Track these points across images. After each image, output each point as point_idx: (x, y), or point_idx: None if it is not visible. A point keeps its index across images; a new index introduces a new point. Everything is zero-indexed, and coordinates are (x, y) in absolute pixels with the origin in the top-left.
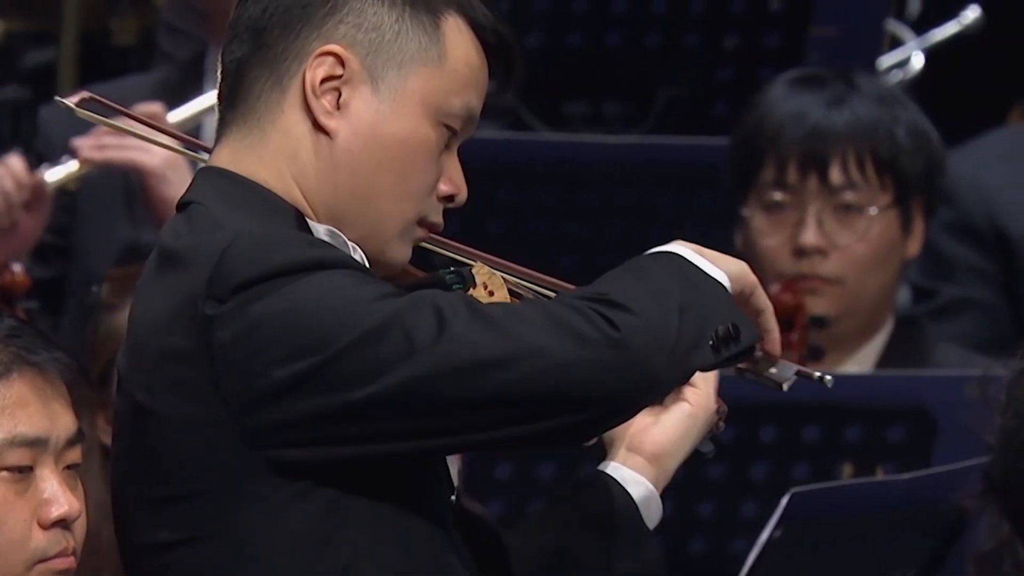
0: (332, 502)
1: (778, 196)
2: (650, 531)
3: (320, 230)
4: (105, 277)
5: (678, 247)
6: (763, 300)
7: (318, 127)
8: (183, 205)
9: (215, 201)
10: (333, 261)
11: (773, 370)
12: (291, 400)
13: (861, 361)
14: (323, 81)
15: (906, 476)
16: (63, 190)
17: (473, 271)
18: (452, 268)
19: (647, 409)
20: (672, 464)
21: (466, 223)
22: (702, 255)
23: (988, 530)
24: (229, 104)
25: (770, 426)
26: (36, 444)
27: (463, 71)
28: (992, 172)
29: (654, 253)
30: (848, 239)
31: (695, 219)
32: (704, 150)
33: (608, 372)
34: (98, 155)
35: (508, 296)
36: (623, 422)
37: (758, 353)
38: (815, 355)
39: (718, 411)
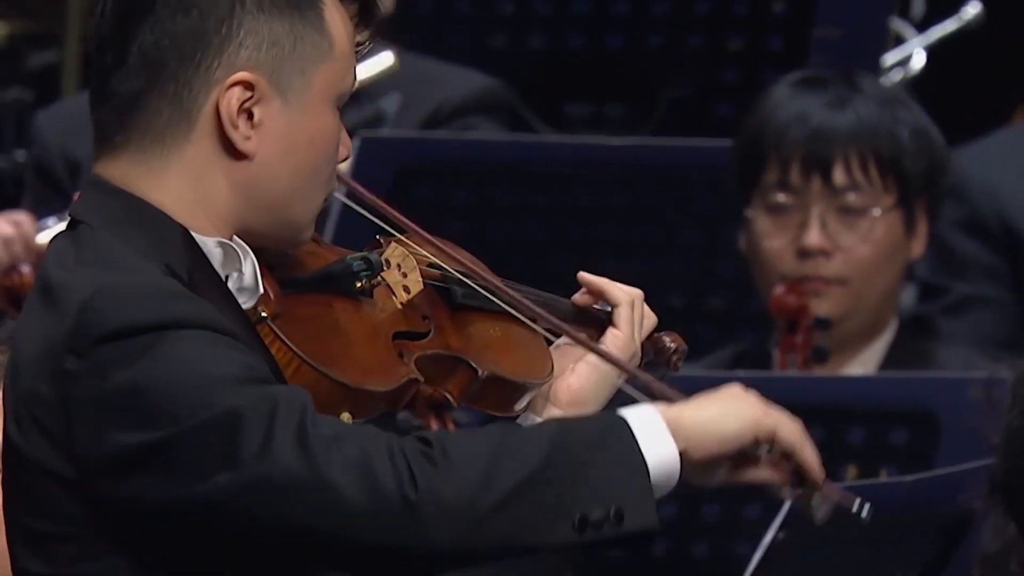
0: None
1: (781, 198)
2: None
3: (209, 243)
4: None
5: (640, 412)
6: (791, 438)
7: (234, 154)
8: (73, 222)
9: (103, 223)
10: (197, 320)
11: (815, 501)
12: (124, 472)
13: (864, 362)
14: (237, 110)
15: (910, 478)
16: None
17: (386, 254)
18: (361, 254)
19: (566, 355)
20: (594, 408)
21: (465, 224)
22: (675, 421)
23: (993, 532)
24: (119, 131)
25: None
26: None
27: (347, 47)
28: (1001, 170)
29: (585, 417)
30: (851, 240)
31: (696, 221)
32: (706, 152)
33: (386, 530)
34: None
35: (420, 279)
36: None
37: (806, 483)
38: (819, 357)
39: (676, 351)
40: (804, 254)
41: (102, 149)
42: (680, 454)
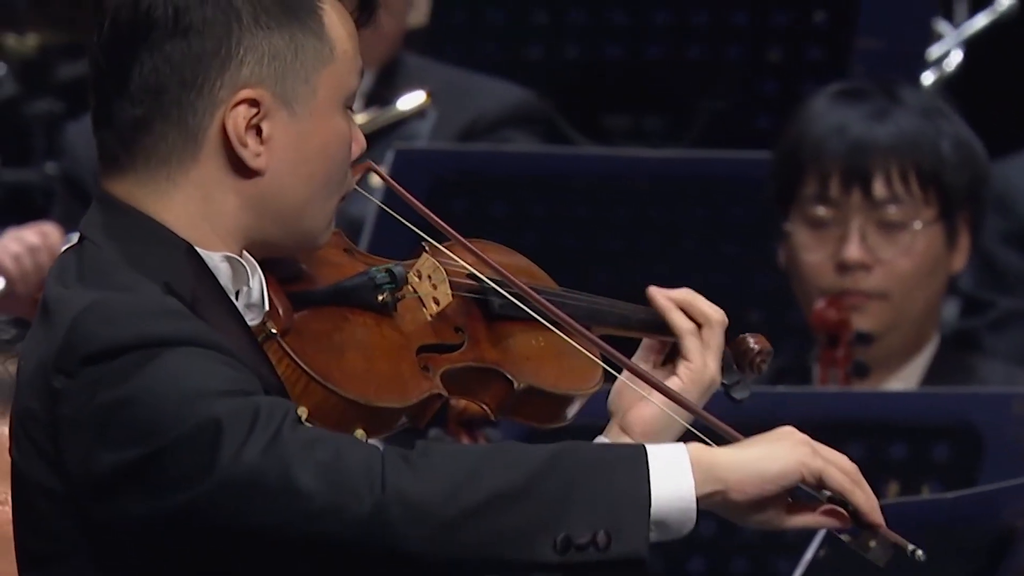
0: None
1: (821, 211)
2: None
3: (215, 258)
4: None
5: (664, 449)
6: (840, 480)
7: (244, 172)
8: (80, 237)
9: (106, 239)
10: (187, 337)
11: (872, 543)
12: (113, 490)
13: (906, 378)
14: (245, 128)
15: (952, 495)
16: None
17: (416, 265)
18: (386, 266)
19: (637, 384)
20: (670, 440)
21: (500, 237)
22: (705, 462)
23: None
24: (123, 154)
25: None
26: None
27: (349, 47)
28: None
29: (616, 445)
30: (892, 254)
31: (735, 234)
32: (744, 164)
33: (353, 529)
34: None
35: (450, 292)
36: None
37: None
38: (860, 372)
39: (760, 352)
40: (844, 268)
41: (107, 167)
42: (713, 495)
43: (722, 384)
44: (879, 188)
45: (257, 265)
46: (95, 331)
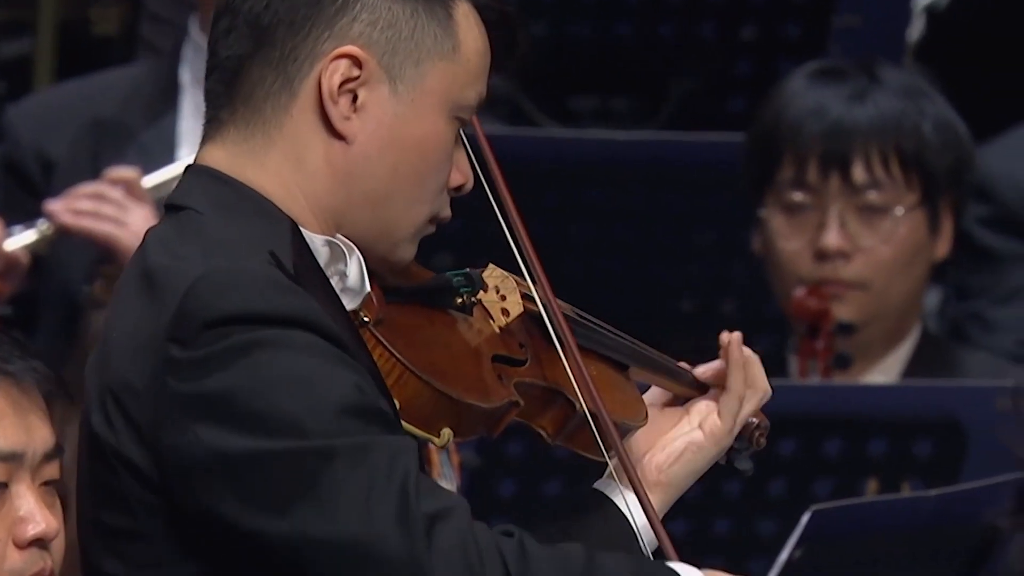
0: None
1: (798, 196)
2: (649, 558)
3: (317, 241)
4: (98, 274)
5: (689, 571)
6: None
7: (333, 132)
8: (174, 207)
9: (209, 208)
10: (305, 318)
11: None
12: (206, 475)
13: (886, 370)
14: (340, 85)
15: (934, 492)
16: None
17: (484, 274)
18: (462, 271)
19: (654, 424)
20: (676, 493)
21: (464, 225)
22: None
23: (1021, 550)
24: (226, 103)
25: (789, 439)
26: (11, 459)
27: (475, 59)
28: None
29: (653, 563)
30: (872, 241)
31: (709, 221)
32: (719, 147)
33: None
34: (73, 221)
35: (521, 302)
36: None
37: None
38: (842, 364)
39: (759, 426)
40: (822, 256)
41: (208, 127)
42: None
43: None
44: (859, 172)
45: (355, 247)
46: (214, 300)
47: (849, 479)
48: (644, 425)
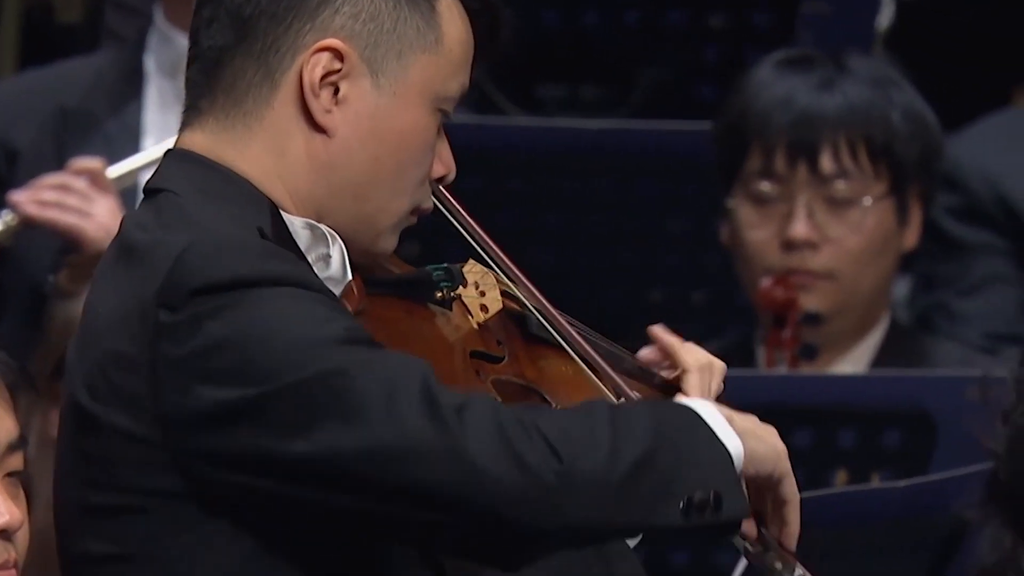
0: (263, 544)
1: (765, 187)
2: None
3: (296, 223)
4: (64, 263)
5: (703, 405)
6: (791, 491)
7: (314, 125)
8: (152, 191)
9: (188, 190)
10: (294, 278)
11: (778, 565)
12: (219, 428)
13: (855, 360)
14: (321, 78)
15: (903, 484)
16: None
17: (464, 269)
18: (443, 265)
19: None
20: None
21: (431, 214)
22: (731, 421)
23: (990, 543)
24: (206, 92)
25: None
26: None
27: (458, 51)
28: (998, 157)
29: (670, 403)
30: (840, 231)
31: (679, 210)
32: (687, 136)
33: (523, 503)
34: (38, 212)
35: (500, 298)
36: (540, 556)
37: (771, 539)
38: (808, 354)
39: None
40: (790, 246)
41: (188, 115)
42: None
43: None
44: (827, 162)
45: (337, 235)
46: (203, 265)
47: (818, 470)
48: None
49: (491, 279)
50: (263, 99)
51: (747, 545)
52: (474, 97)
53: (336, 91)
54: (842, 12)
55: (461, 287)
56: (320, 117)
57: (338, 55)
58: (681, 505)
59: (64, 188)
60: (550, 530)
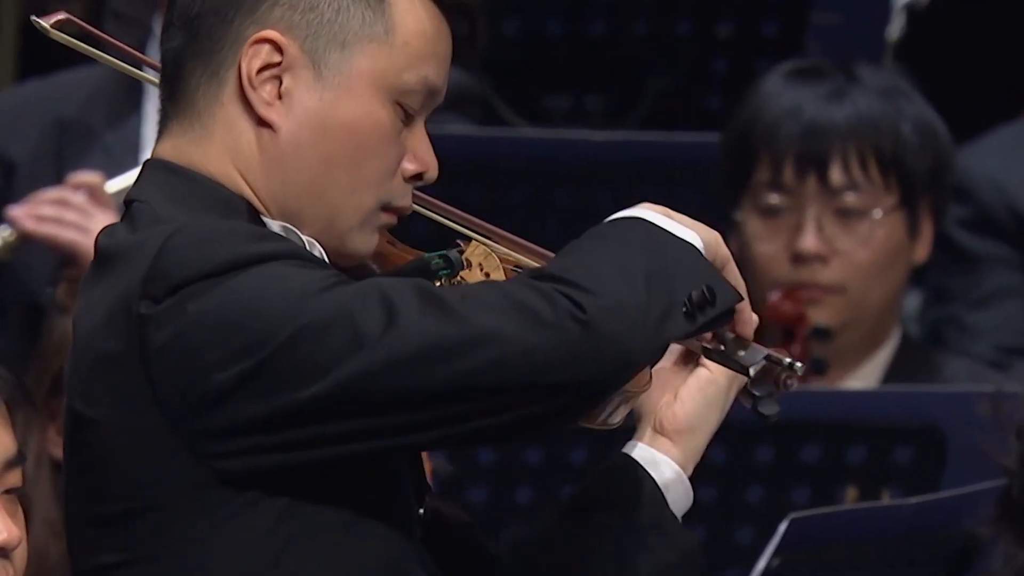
0: (281, 513)
1: (774, 199)
2: (674, 516)
3: (274, 226)
4: (62, 278)
5: (642, 210)
6: (736, 275)
7: (260, 120)
8: (127, 203)
9: (160, 199)
10: (281, 254)
11: (742, 352)
12: (232, 404)
13: (865, 376)
14: (260, 70)
15: (914, 500)
16: None
17: (467, 253)
18: (440, 252)
19: (666, 383)
20: (700, 439)
21: (436, 224)
22: (670, 217)
23: (1003, 559)
24: (168, 96)
25: (766, 446)
26: None
27: (416, 43)
28: (1009, 168)
29: (616, 219)
30: (850, 244)
31: None
32: (695, 147)
33: (576, 356)
34: (36, 227)
35: (504, 278)
36: (595, 406)
37: (728, 334)
38: (818, 369)
39: (787, 367)
40: (799, 260)
41: (160, 124)
42: None
43: (751, 396)
44: (836, 174)
45: (316, 242)
46: (187, 255)
47: (827, 486)
48: (646, 390)
49: (495, 260)
50: (212, 96)
51: (704, 345)
52: (481, 109)
53: (279, 84)
54: (852, 22)
55: (465, 271)
56: (262, 110)
57: (277, 47)
58: (684, 309)
59: (63, 203)
60: (604, 372)
